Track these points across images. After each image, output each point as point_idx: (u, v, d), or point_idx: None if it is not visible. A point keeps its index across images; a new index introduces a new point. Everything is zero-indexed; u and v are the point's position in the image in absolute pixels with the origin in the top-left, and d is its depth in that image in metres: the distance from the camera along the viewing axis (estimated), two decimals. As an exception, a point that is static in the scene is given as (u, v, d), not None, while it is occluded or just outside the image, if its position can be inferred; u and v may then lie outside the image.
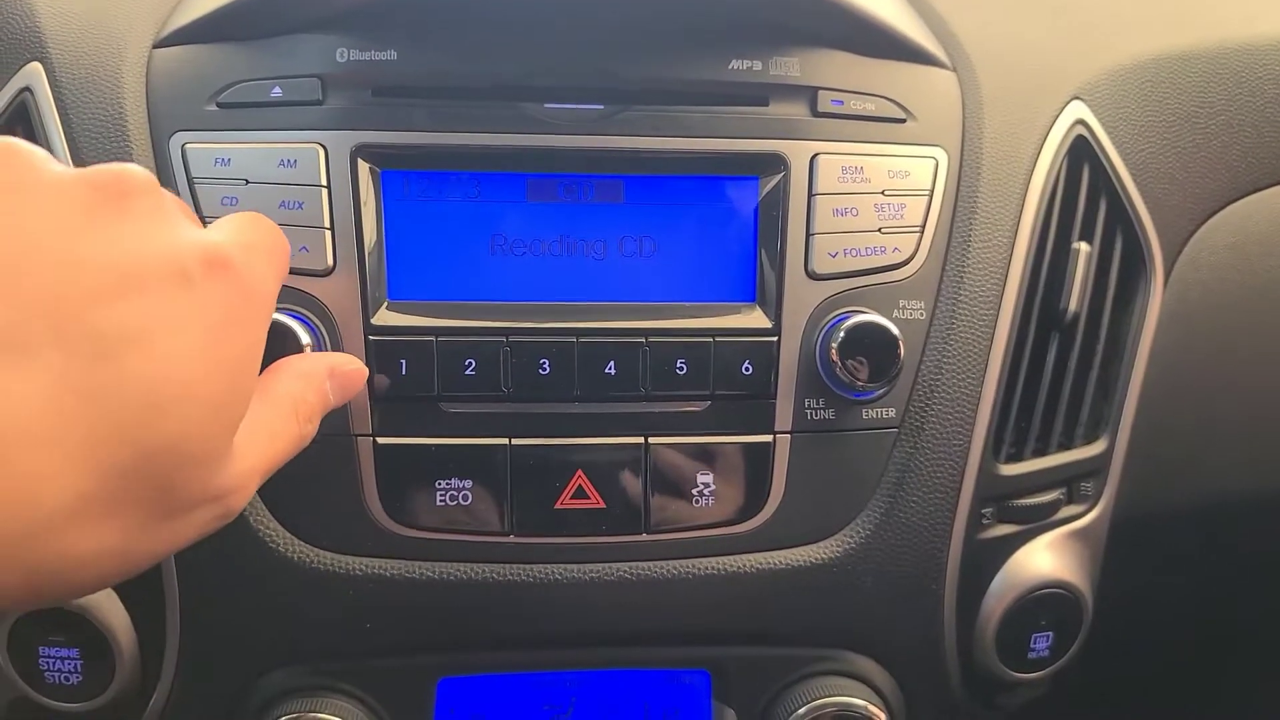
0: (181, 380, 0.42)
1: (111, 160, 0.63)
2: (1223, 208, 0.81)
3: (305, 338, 0.60)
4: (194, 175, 0.64)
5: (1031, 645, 0.74)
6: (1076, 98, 0.75)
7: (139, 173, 0.45)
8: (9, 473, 0.37)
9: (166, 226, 0.44)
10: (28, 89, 0.66)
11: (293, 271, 0.61)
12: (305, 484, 0.63)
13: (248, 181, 0.64)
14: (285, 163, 0.64)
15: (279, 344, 0.58)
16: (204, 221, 0.63)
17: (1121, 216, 0.75)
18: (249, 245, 0.49)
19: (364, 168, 0.64)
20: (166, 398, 0.41)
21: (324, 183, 0.64)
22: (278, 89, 0.65)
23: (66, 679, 0.66)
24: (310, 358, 0.59)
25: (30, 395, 0.38)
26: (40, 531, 0.38)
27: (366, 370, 0.62)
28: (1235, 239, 0.81)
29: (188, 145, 0.64)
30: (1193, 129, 0.79)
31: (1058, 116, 0.74)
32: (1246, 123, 0.80)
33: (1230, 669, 1.14)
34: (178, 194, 0.64)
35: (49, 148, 0.64)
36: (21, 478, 0.37)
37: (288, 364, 0.56)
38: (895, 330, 0.64)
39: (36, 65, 0.66)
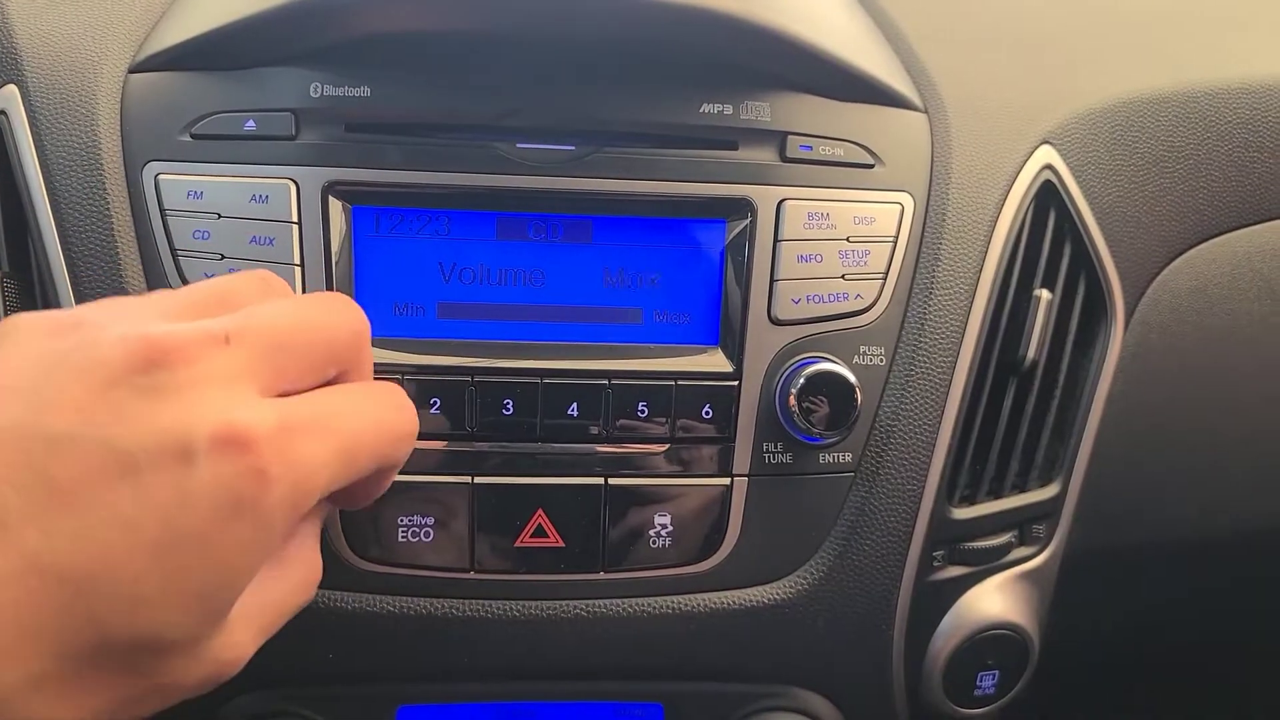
0: (168, 574, 0.39)
1: (85, 189, 0.63)
2: (1186, 251, 0.81)
3: None
4: (166, 207, 0.64)
5: (978, 683, 0.75)
6: (1046, 142, 0.74)
7: (177, 340, 0.41)
8: None
9: (184, 401, 0.40)
10: (3, 113, 0.65)
11: None
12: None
13: (220, 215, 0.64)
14: (257, 198, 0.64)
15: None
16: (175, 255, 0.64)
17: (1085, 262, 0.76)
18: (308, 423, 0.43)
19: (335, 204, 0.64)
20: (149, 591, 0.39)
21: (295, 219, 0.64)
22: (251, 122, 0.65)
23: (35, 698, 0.67)
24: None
25: None
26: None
27: None
28: (1197, 282, 0.81)
29: (161, 176, 0.64)
30: (1160, 173, 0.79)
31: (1026, 161, 0.73)
32: (1214, 167, 0.81)
33: (1173, 696, 1.17)
34: (150, 226, 0.64)
35: (23, 175, 0.64)
36: None
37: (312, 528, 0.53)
38: (854, 379, 0.65)
39: (12, 88, 0.65)
